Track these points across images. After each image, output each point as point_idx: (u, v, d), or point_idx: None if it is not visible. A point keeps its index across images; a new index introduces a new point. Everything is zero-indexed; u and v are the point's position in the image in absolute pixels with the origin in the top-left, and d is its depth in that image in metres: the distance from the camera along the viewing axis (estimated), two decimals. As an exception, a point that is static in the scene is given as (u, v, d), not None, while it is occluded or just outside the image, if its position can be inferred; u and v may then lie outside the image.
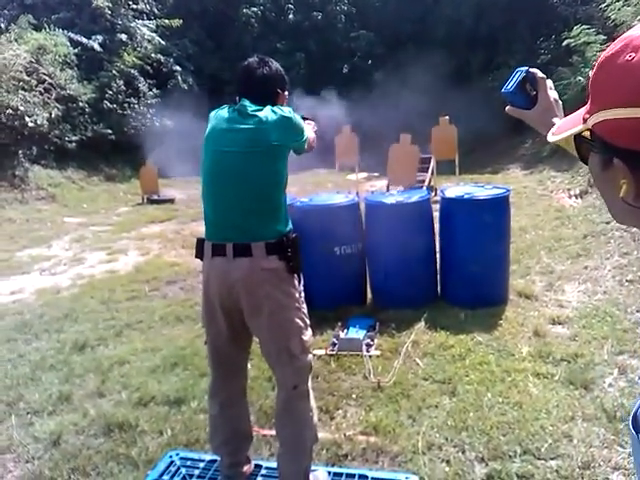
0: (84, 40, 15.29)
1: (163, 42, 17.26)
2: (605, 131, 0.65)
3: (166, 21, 17.28)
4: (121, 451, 2.68)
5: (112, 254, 7.20)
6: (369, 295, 4.61)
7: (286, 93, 2.19)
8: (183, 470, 2.49)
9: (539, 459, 2.42)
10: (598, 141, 0.67)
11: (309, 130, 2.28)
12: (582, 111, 0.72)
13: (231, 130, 2.03)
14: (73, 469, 2.58)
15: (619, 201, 0.68)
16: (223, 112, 2.11)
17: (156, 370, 3.58)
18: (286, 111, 2.06)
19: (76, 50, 14.95)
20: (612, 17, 9.95)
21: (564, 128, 0.77)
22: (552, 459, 2.41)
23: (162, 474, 2.46)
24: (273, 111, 2.03)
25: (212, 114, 2.16)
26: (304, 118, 2.24)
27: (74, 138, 14.19)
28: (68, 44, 14.51)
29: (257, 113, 2.02)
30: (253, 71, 2.11)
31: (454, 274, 4.39)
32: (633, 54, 0.60)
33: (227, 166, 2.02)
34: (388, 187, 9.76)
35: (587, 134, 0.70)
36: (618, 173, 0.66)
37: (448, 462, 2.45)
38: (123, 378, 3.50)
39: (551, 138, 0.81)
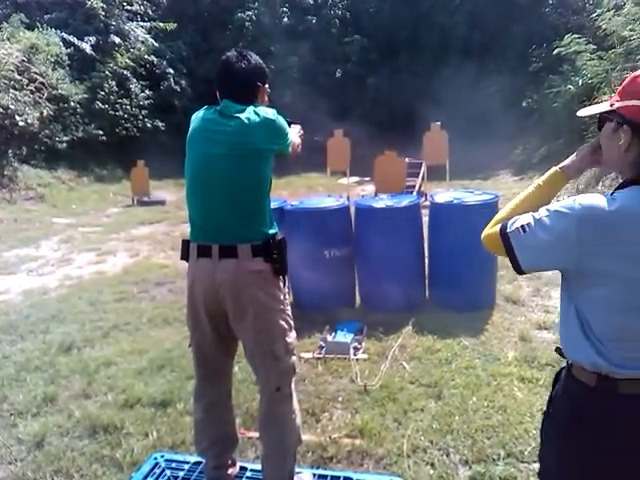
0: (77, 40, 15.24)
1: (156, 44, 17.24)
2: (627, 111, 1.22)
3: (160, 24, 17.27)
4: (106, 453, 2.67)
5: (101, 255, 7.17)
6: (358, 298, 4.62)
7: (267, 86, 2.16)
8: (168, 472, 2.47)
9: (522, 462, 2.43)
10: (618, 115, 1.24)
11: (294, 134, 2.27)
12: (606, 103, 1.29)
13: (214, 132, 2.01)
14: (56, 471, 2.56)
15: (616, 152, 1.25)
16: (205, 113, 2.09)
17: (143, 372, 3.56)
18: (270, 113, 2.04)
19: (69, 50, 14.91)
20: (603, 27, 10.08)
21: (592, 109, 1.35)
22: (535, 462, 2.42)
23: (146, 476, 2.44)
24: (256, 113, 2.01)
25: (193, 116, 2.14)
26: (290, 122, 2.23)
27: (65, 138, 14.13)
28: (61, 44, 14.46)
29: (240, 115, 1.99)
30: (232, 65, 2.06)
31: (442, 279, 4.41)
32: None
33: (211, 169, 2.01)
34: (376, 192, 9.79)
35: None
36: (622, 134, 1.23)
37: (433, 465, 2.46)
38: (109, 380, 3.48)
39: (580, 112, 1.38)
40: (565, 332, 1.33)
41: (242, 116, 1.99)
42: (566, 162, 1.40)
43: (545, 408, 1.43)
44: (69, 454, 2.68)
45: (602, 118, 1.30)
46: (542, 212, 1.26)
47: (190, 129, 2.11)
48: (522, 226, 1.27)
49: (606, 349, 1.22)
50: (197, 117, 2.11)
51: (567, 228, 1.20)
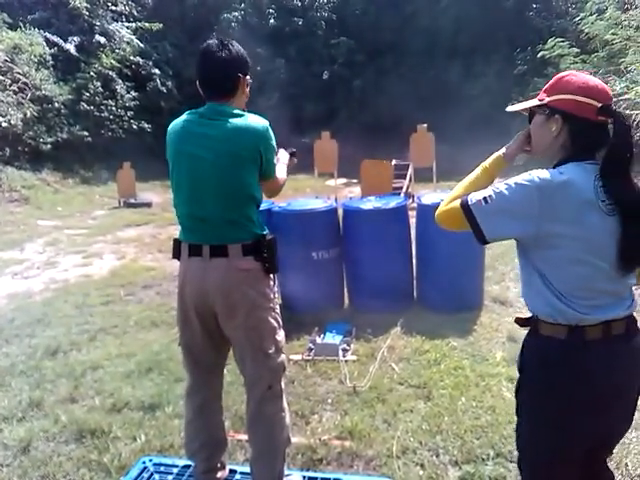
0: (61, 41, 15.08)
1: (142, 45, 17.13)
2: (557, 103, 1.45)
3: (146, 24, 17.16)
4: (93, 457, 2.64)
5: (87, 258, 7.10)
6: (346, 300, 4.63)
7: (248, 77, 2.09)
8: (156, 476, 2.45)
9: (511, 462, 2.44)
10: (549, 108, 1.47)
11: (282, 171, 2.24)
12: (534, 100, 1.52)
13: (199, 136, 1.98)
14: (43, 476, 2.53)
15: (548, 138, 1.48)
16: (186, 118, 2.05)
17: (130, 375, 3.53)
18: (262, 123, 2.00)
19: (52, 50, 14.76)
20: (585, 30, 10.20)
21: (521, 105, 1.57)
22: (524, 462, 2.45)
23: (135, 480, 2.42)
24: (247, 119, 1.98)
25: (172, 124, 2.08)
26: (276, 151, 2.18)
27: (49, 139, 13.98)
28: (44, 44, 14.32)
29: (227, 119, 1.96)
30: (212, 54, 2.00)
31: (430, 280, 4.44)
32: (573, 77, 1.47)
33: (198, 174, 1.98)
34: (363, 195, 9.81)
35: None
36: (554, 123, 1.45)
37: (422, 466, 2.47)
38: (96, 383, 3.45)
39: (510, 108, 1.63)
40: (530, 293, 1.48)
41: (229, 120, 1.96)
42: (506, 149, 1.59)
43: (514, 390, 1.58)
44: (56, 459, 2.65)
45: (532, 112, 1.53)
46: (501, 186, 1.40)
47: (171, 132, 2.06)
48: (484, 198, 1.41)
49: (569, 301, 1.38)
50: (178, 124, 2.06)
51: (528, 197, 1.36)
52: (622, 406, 1.47)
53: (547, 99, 1.47)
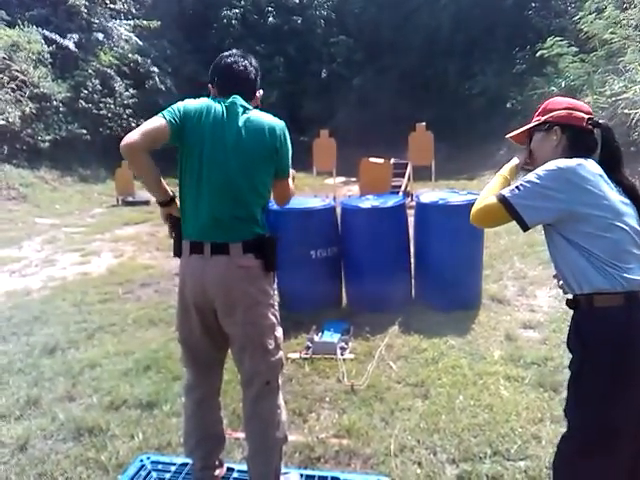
0: (59, 38, 15.04)
1: (141, 42, 17.11)
2: (554, 118, 1.70)
3: (144, 22, 17.12)
4: (91, 456, 2.63)
5: (85, 256, 7.08)
6: (344, 299, 4.63)
7: (261, 91, 2.19)
8: (154, 474, 2.45)
9: (509, 460, 2.46)
10: (547, 124, 1.72)
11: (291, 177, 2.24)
12: (530, 123, 1.78)
13: (222, 130, 1.98)
14: (40, 474, 2.52)
15: (550, 149, 1.71)
16: (210, 105, 2.02)
17: (128, 373, 3.53)
18: (282, 124, 2.07)
19: (51, 48, 14.72)
20: (584, 30, 10.21)
21: (521, 129, 1.83)
22: (521, 460, 2.45)
23: (132, 478, 2.42)
24: (268, 116, 2.04)
25: (191, 106, 2.01)
26: None
27: (47, 137, 13.95)
28: (42, 42, 14.28)
29: (250, 114, 2.01)
30: (239, 63, 2.09)
31: (428, 278, 4.44)
32: (560, 98, 1.79)
33: (215, 166, 1.98)
34: (361, 194, 9.81)
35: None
36: (554, 134, 1.70)
37: (420, 464, 2.47)
38: (94, 382, 3.44)
39: (510, 134, 1.88)
40: (576, 274, 1.57)
41: (252, 115, 2.01)
42: (518, 161, 1.83)
43: (574, 370, 1.60)
44: (53, 457, 2.64)
45: (531, 133, 1.78)
46: (528, 176, 1.58)
47: (190, 122, 1.98)
48: (516, 187, 1.58)
49: (618, 267, 1.51)
50: (198, 108, 2.00)
51: (556, 179, 1.54)
52: None
53: (543, 118, 1.74)
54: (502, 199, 1.57)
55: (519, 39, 14.76)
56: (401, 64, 17.88)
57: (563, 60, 11.21)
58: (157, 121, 1.94)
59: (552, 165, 1.56)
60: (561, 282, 1.68)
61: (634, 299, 1.49)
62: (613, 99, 7.46)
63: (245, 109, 2.03)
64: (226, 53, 2.15)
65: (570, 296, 1.64)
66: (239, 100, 2.04)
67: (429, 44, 17.34)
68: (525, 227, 1.57)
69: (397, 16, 18.02)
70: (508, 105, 13.52)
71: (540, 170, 1.56)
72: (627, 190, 1.61)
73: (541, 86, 12.01)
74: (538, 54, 11.82)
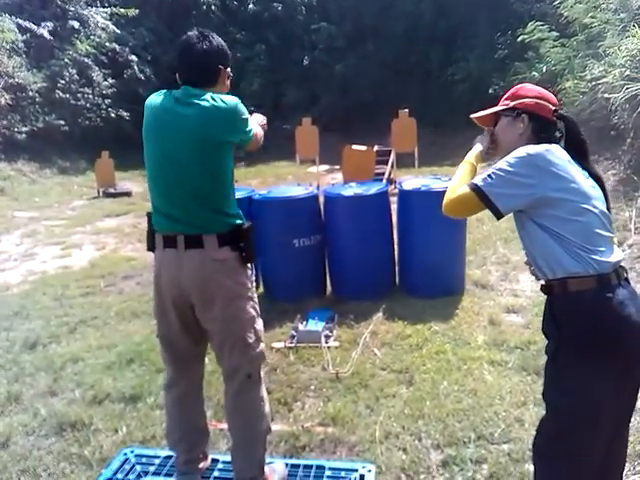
0: (33, 26, 14.68)
1: (118, 31, 16.73)
2: (523, 105, 1.71)
3: (121, 10, 16.76)
4: (74, 451, 2.61)
5: (66, 249, 6.98)
6: (329, 287, 4.62)
7: (228, 70, 2.08)
8: (138, 467, 2.43)
9: (492, 444, 2.48)
10: (514, 110, 1.72)
11: (255, 124, 2.17)
12: (498, 105, 1.79)
13: (172, 122, 1.94)
14: (23, 470, 2.50)
15: (514, 137, 1.71)
16: (161, 101, 2.00)
17: (111, 367, 3.49)
18: (230, 101, 1.96)
19: (25, 37, 14.36)
20: (565, 14, 10.22)
21: (487, 111, 1.82)
22: (505, 443, 2.48)
23: (116, 472, 2.40)
24: (215, 100, 1.93)
25: (148, 101, 2.04)
26: (251, 111, 2.16)
27: (24, 129, 13.67)
28: (16, 30, 13.91)
29: (198, 102, 1.92)
30: (193, 46, 1.98)
31: (412, 265, 4.45)
32: (529, 85, 1.80)
33: (171, 161, 1.95)
34: (345, 181, 9.76)
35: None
36: (520, 122, 1.70)
37: (405, 450, 2.48)
38: (76, 376, 3.40)
39: (476, 114, 1.86)
40: (549, 259, 1.57)
41: (200, 104, 1.92)
42: (481, 147, 1.82)
43: (550, 354, 1.61)
44: (36, 453, 2.62)
45: (498, 116, 1.78)
46: (499, 164, 1.57)
47: (146, 117, 2.02)
48: (488, 175, 1.57)
49: (590, 250, 1.52)
50: (153, 104, 2.02)
51: (527, 165, 1.54)
52: None
53: (512, 103, 1.74)
54: (475, 188, 1.56)
55: (501, 24, 14.75)
56: (383, 51, 17.78)
57: (544, 45, 11.23)
58: None
59: (521, 152, 1.56)
60: (533, 268, 1.68)
61: (606, 281, 1.51)
62: (593, 83, 7.49)
63: (196, 96, 1.94)
64: (184, 36, 2.04)
65: (543, 282, 1.64)
66: (189, 90, 1.97)
67: (412, 30, 17.24)
68: (499, 215, 1.57)
69: (379, 2, 17.87)
70: (490, 90, 13.53)
71: (510, 157, 1.56)
72: (593, 177, 1.64)
73: (523, 71, 12.03)
74: (519, 39, 11.82)
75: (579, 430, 1.54)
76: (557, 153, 1.57)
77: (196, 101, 1.93)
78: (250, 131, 2.07)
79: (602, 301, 1.51)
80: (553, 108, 1.71)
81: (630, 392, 1.61)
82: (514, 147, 1.64)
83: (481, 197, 1.55)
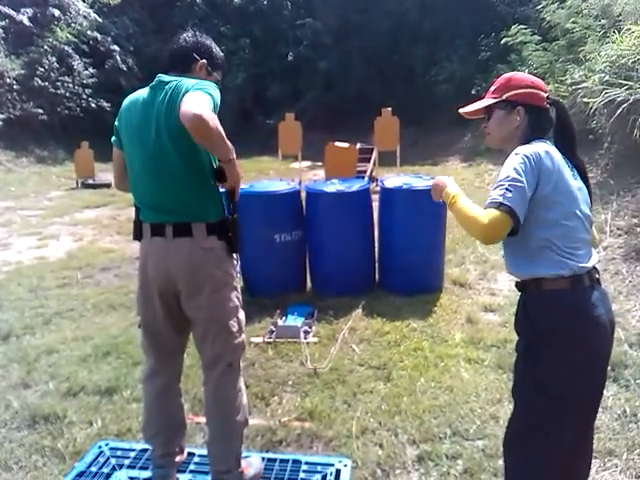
0: (12, 12, 14.36)
1: (100, 19, 16.45)
2: (517, 97, 1.67)
3: (104, -3, 16.49)
4: (46, 443, 2.57)
5: (42, 240, 6.86)
6: (308, 283, 4.62)
7: (204, 61, 2.05)
8: (113, 460, 2.41)
9: (467, 440, 2.51)
10: (508, 103, 1.67)
11: (208, 108, 1.79)
12: (487, 99, 1.73)
13: (149, 113, 1.93)
14: (-7, 463, 2.45)
15: (509, 130, 1.68)
16: (137, 94, 2.03)
17: (87, 359, 3.45)
18: (197, 81, 1.89)
19: (3, 23, 14.05)
20: (547, 18, 10.36)
21: (476, 105, 1.76)
22: (479, 439, 2.51)
23: (90, 465, 2.37)
24: (180, 81, 1.89)
25: (124, 102, 2.07)
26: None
27: (1, 116, 13.37)
28: (-5, 16, 13.62)
29: (166, 85, 1.91)
30: (177, 39, 2.06)
31: (392, 262, 4.47)
32: (519, 75, 1.74)
33: (151, 152, 1.93)
34: (327, 178, 9.75)
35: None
36: (516, 114, 1.66)
37: (381, 445, 2.50)
38: (51, 368, 3.35)
39: (465, 109, 1.80)
40: (524, 262, 1.60)
41: (165, 87, 1.91)
42: (451, 179, 1.86)
43: (521, 351, 1.65)
44: (7, 446, 2.57)
45: (490, 110, 1.71)
46: (509, 173, 1.52)
47: (125, 118, 2.03)
48: (506, 189, 1.51)
49: (570, 254, 1.54)
50: (131, 100, 2.05)
51: (530, 169, 1.53)
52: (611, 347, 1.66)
53: (505, 95, 1.68)
54: (504, 207, 1.49)
55: (485, 26, 14.87)
56: (368, 48, 17.79)
57: (526, 48, 11.36)
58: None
59: (518, 158, 1.54)
60: (509, 264, 1.69)
61: (579, 282, 1.55)
62: (573, 87, 7.60)
63: (168, 82, 1.92)
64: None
65: (518, 279, 1.67)
66: (163, 77, 1.97)
67: (396, 29, 17.28)
68: (519, 225, 1.52)
69: (364, 0, 17.89)
70: (473, 92, 13.66)
71: (516, 164, 1.52)
72: (579, 170, 1.65)
73: (505, 73, 12.17)
74: (503, 42, 11.93)
75: (549, 424, 1.57)
76: (554, 155, 1.58)
77: (165, 86, 1.92)
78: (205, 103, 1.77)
79: (575, 301, 1.55)
80: (545, 95, 1.69)
81: (598, 388, 1.66)
82: (508, 139, 1.69)
83: (511, 213, 1.49)
